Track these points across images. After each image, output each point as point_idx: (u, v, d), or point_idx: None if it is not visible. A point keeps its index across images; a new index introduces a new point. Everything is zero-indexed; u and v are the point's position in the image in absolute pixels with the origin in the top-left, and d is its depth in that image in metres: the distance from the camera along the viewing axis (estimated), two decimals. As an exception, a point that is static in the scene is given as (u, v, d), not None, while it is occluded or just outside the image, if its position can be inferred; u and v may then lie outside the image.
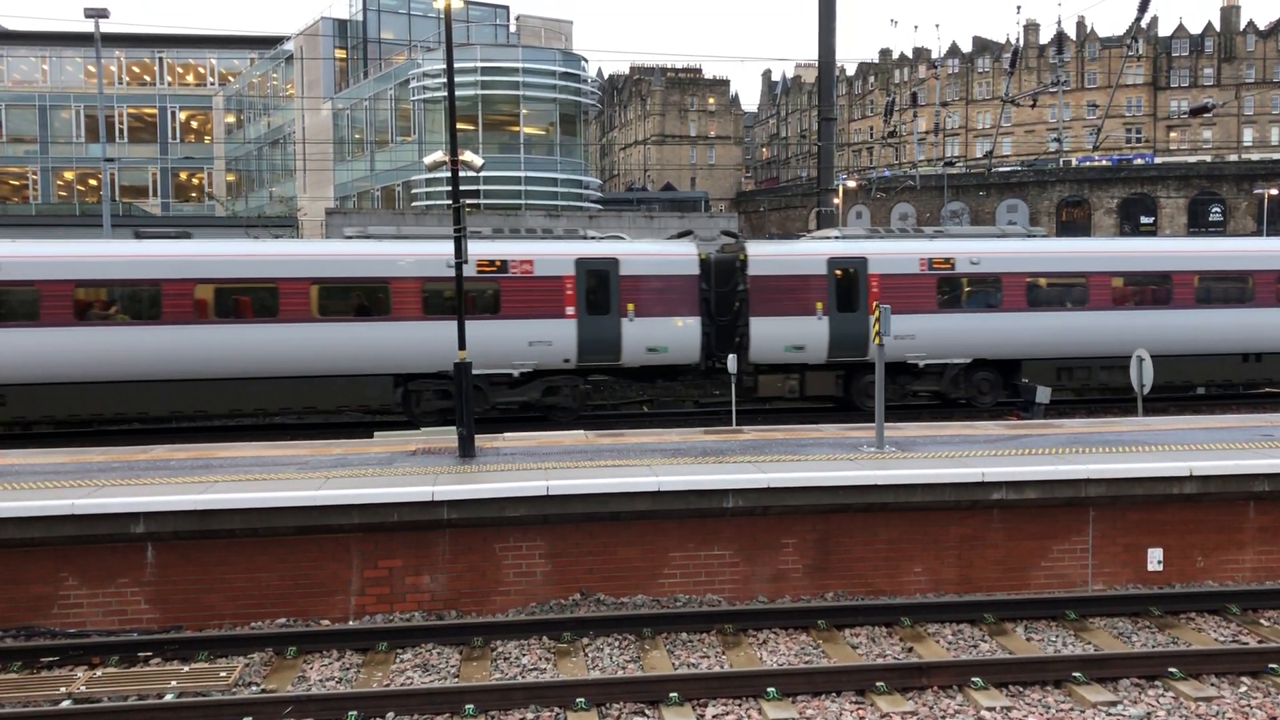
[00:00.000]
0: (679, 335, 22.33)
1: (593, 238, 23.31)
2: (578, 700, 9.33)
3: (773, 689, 9.54)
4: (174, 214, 69.29)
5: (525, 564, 12.22)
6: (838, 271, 22.79)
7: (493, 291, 21.64)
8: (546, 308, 21.74)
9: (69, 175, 73.16)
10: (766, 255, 23.04)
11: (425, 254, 21.32)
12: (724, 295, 23.22)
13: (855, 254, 22.97)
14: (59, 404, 20.22)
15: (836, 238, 23.80)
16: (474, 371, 20.63)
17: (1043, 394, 21.48)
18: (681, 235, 27.13)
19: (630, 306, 22.07)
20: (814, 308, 22.61)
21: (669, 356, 22.41)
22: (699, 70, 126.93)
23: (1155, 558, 13.02)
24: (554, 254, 21.98)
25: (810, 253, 23.19)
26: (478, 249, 21.11)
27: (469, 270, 19.13)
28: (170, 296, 20.34)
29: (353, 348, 21.07)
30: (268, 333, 20.68)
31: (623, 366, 22.48)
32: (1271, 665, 10.10)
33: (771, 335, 22.52)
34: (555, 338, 21.73)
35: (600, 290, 22.03)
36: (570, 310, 21.84)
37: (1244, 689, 9.81)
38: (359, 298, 21.45)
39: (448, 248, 20.27)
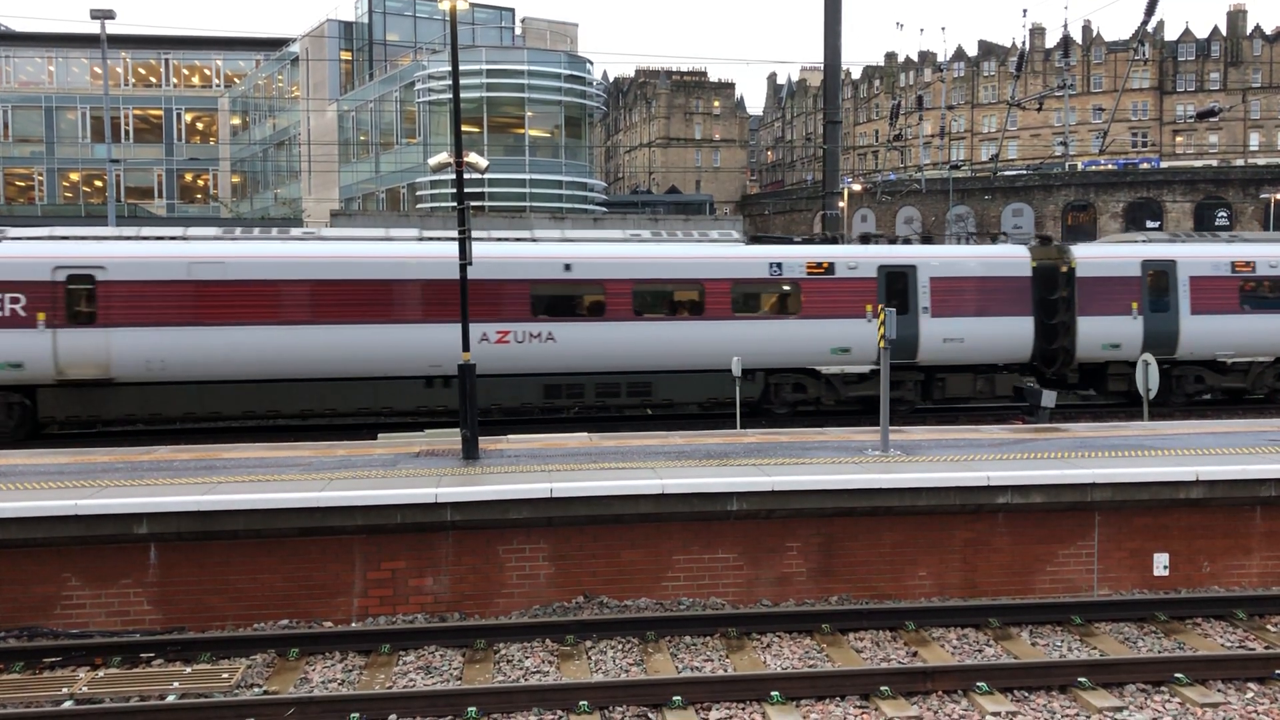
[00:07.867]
0: None
1: None
2: (580, 703, 9.30)
3: (776, 693, 9.51)
4: (179, 215, 69.42)
5: (528, 566, 12.19)
6: None
7: None
8: None
9: (74, 176, 73.35)
10: None
11: None
12: None
13: None
14: None
15: None
16: None
17: (1048, 398, 21.34)
18: None
19: None
20: None
21: None
22: (704, 73, 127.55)
23: (1161, 563, 12.97)
24: None
25: None
26: None
27: None
28: None
29: None
30: None
31: None
32: (1278, 671, 10.04)
33: None
34: None
35: None
36: None
37: (1250, 695, 9.76)
38: None
39: None
